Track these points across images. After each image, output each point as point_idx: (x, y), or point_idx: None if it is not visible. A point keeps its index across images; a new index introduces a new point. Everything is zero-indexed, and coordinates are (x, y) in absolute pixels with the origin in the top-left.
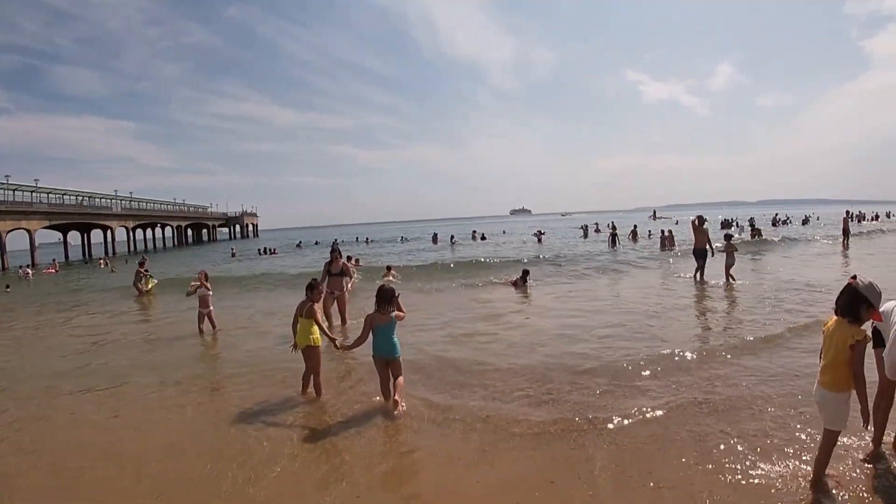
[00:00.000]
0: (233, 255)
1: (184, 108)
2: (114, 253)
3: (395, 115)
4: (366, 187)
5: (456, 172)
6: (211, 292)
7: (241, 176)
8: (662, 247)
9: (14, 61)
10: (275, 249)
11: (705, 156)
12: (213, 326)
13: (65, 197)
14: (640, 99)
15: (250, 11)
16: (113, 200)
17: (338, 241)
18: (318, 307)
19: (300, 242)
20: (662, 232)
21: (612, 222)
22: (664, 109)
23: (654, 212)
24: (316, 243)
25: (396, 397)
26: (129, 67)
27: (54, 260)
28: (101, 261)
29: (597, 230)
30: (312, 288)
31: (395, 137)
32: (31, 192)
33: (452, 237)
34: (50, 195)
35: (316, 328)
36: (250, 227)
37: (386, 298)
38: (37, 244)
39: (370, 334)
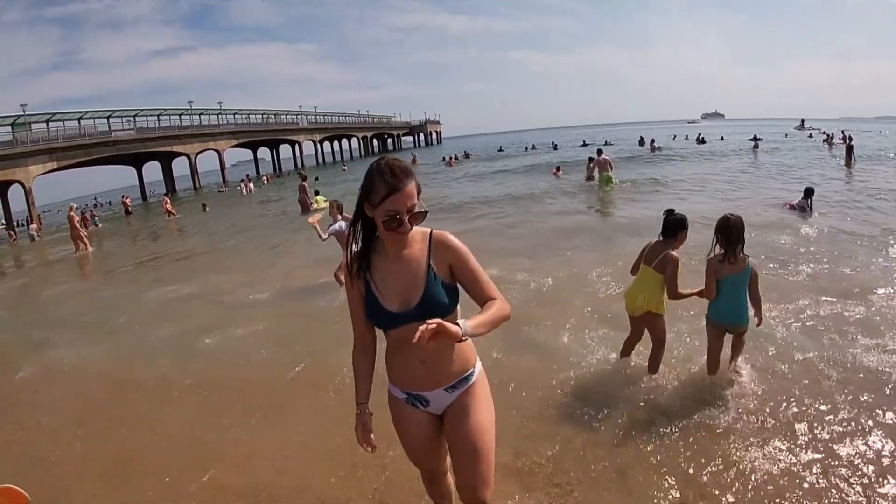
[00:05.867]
0: (413, 161)
1: (357, 25)
2: (302, 165)
3: (570, 16)
4: (543, 92)
5: (636, 76)
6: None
7: (420, 87)
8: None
9: (192, 3)
10: (468, 154)
11: None
12: None
13: (251, 116)
14: None
15: None
16: (298, 116)
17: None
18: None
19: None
20: None
21: (846, 133)
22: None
23: (803, 121)
24: (500, 150)
25: (734, 369)
26: None
27: (247, 175)
28: (265, 177)
29: (830, 141)
30: (681, 226)
31: (571, 41)
32: (217, 114)
33: (652, 141)
34: (236, 115)
35: (664, 290)
36: (434, 135)
37: (736, 235)
38: (227, 164)
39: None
